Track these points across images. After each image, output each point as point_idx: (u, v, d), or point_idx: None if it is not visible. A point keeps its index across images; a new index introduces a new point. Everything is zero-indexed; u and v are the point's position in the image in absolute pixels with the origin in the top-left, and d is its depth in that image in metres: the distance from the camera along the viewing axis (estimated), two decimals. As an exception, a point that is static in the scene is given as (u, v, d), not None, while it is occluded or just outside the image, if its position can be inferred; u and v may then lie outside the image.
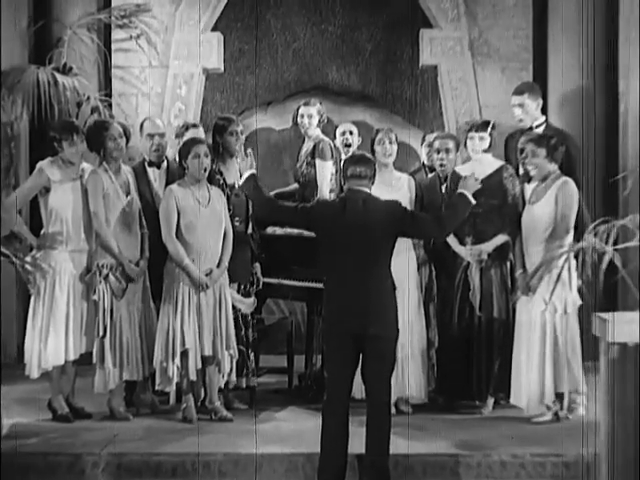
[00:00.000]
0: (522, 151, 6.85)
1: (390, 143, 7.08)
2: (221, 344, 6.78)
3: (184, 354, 6.69)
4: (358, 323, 5.74)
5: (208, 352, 6.75)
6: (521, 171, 7.23)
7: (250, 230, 7.22)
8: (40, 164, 6.93)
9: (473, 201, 5.96)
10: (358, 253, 5.74)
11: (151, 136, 7.28)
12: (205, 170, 6.80)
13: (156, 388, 6.82)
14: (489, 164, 7.05)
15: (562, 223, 6.66)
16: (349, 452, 5.86)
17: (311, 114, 7.74)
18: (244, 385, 7.14)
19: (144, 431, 6.62)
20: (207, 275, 6.74)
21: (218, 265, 6.81)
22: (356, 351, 5.82)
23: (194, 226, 6.74)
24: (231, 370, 6.89)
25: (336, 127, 8.30)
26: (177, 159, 6.95)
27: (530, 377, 6.66)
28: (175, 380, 6.72)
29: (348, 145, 7.96)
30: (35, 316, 6.82)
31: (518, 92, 7.59)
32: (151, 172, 7.27)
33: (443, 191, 7.25)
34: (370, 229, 5.75)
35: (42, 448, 6.29)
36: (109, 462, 6.09)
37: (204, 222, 6.75)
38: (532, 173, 6.81)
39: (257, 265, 7.30)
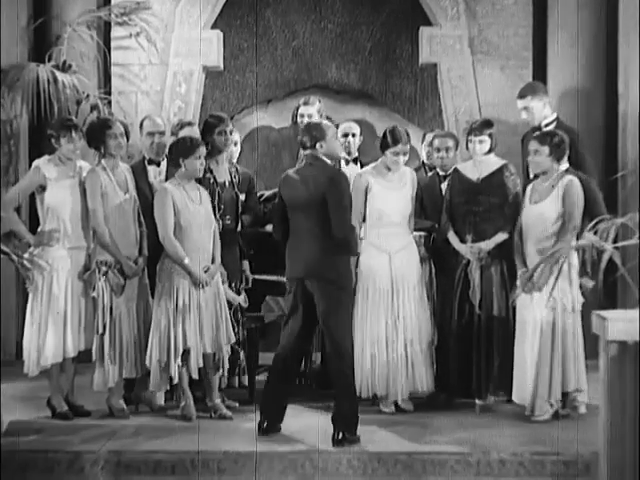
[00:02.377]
0: (527, 149, 6.85)
1: (404, 155, 7.02)
2: (223, 340, 6.79)
3: (185, 353, 6.70)
4: (306, 268, 6.31)
5: (210, 349, 6.76)
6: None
7: (239, 228, 7.23)
8: (36, 162, 6.93)
9: None
10: (309, 215, 6.27)
11: (151, 134, 7.29)
12: (202, 171, 6.83)
13: (150, 389, 6.82)
14: (491, 163, 7.05)
15: (569, 221, 6.64)
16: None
17: (311, 114, 7.73)
18: (236, 384, 7.13)
19: (143, 429, 6.62)
20: (205, 272, 6.75)
21: (212, 262, 6.82)
22: (309, 301, 6.30)
23: (190, 224, 6.73)
24: (227, 367, 6.89)
25: (337, 125, 8.27)
26: (170, 155, 6.92)
27: (536, 376, 6.64)
28: (176, 379, 6.72)
29: (348, 152, 7.90)
30: (33, 313, 6.82)
31: (521, 96, 7.57)
32: (151, 170, 7.28)
33: (443, 190, 7.26)
34: (316, 194, 6.24)
35: (41, 446, 6.28)
36: (108, 460, 6.09)
37: (199, 220, 6.75)
38: (534, 171, 6.80)
39: (245, 263, 7.31)
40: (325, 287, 6.27)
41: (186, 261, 6.68)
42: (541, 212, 6.71)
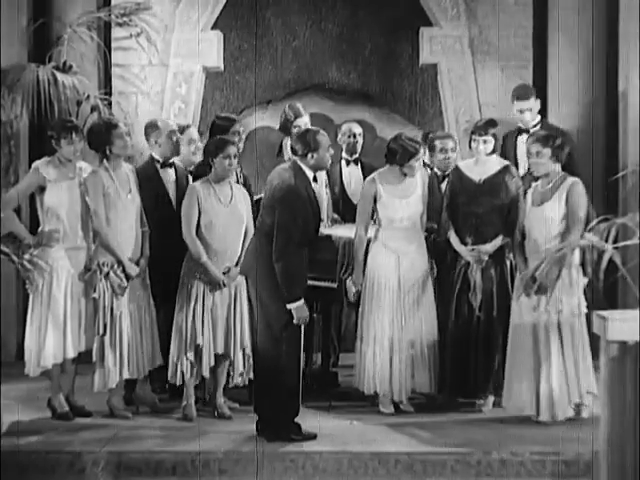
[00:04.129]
0: (528, 151, 6.83)
1: (419, 160, 7.01)
2: (234, 343, 6.80)
3: (197, 350, 6.72)
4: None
5: (220, 350, 6.77)
6: (522, 171, 7.24)
7: None
8: (36, 163, 6.93)
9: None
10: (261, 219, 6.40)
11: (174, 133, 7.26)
12: (232, 171, 6.84)
13: (169, 380, 6.82)
14: (493, 164, 7.04)
15: (574, 223, 6.60)
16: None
17: (306, 122, 7.69)
18: (242, 384, 7.13)
19: (144, 429, 6.63)
20: (225, 273, 6.76)
21: (236, 264, 6.82)
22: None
23: (214, 225, 6.75)
24: (248, 369, 6.89)
25: (338, 126, 8.27)
26: (204, 156, 6.95)
27: (549, 382, 6.61)
28: (187, 375, 6.73)
29: (351, 153, 7.90)
30: (33, 314, 6.82)
31: (524, 97, 7.60)
32: (166, 172, 7.25)
33: (443, 189, 7.26)
34: (269, 203, 6.33)
35: (42, 446, 6.29)
36: (109, 460, 6.09)
37: (224, 221, 6.74)
38: (537, 173, 6.78)
39: None
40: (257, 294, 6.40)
41: (204, 260, 6.70)
42: (544, 214, 6.68)
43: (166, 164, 7.23)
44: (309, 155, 6.31)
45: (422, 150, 6.96)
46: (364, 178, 7.58)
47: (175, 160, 7.27)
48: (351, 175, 7.84)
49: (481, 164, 7.03)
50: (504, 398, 6.76)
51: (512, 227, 6.87)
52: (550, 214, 6.68)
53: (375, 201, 6.95)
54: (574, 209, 6.64)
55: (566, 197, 6.66)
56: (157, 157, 7.24)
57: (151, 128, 7.29)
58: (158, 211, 7.03)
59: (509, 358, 6.74)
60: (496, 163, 7.04)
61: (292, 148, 6.44)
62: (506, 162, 7.12)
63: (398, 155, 6.87)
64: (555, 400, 6.60)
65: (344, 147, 7.96)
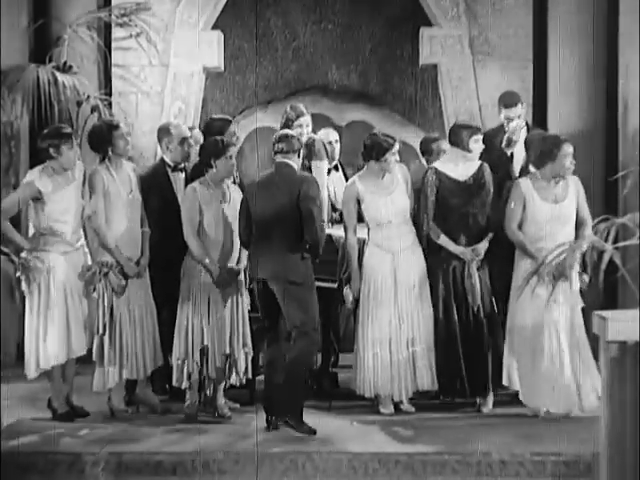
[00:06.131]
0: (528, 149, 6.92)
1: (394, 156, 7.01)
2: (237, 342, 6.80)
3: (203, 351, 6.72)
4: (272, 270, 6.54)
5: (227, 350, 6.77)
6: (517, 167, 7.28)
7: None
8: (30, 176, 6.83)
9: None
10: (278, 220, 6.49)
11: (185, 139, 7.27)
12: (232, 171, 6.87)
13: (173, 384, 6.83)
14: (472, 164, 7.04)
15: (587, 217, 6.80)
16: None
17: (308, 122, 7.66)
18: (238, 383, 7.13)
19: (144, 430, 6.62)
20: (227, 273, 6.75)
21: (237, 263, 6.82)
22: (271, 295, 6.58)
23: (215, 224, 6.75)
24: (247, 368, 6.89)
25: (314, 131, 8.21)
26: (201, 156, 6.93)
27: (574, 376, 6.68)
28: (194, 377, 6.73)
29: (332, 158, 7.89)
30: (31, 316, 6.80)
31: (511, 104, 7.54)
32: (174, 175, 7.25)
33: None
34: (281, 201, 6.48)
35: (42, 447, 6.29)
36: (109, 461, 6.10)
37: (224, 220, 6.75)
38: (571, 173, 6.85)
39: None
40: (288, 288, 6.50)
41: (207, 260, 6.69)
42: (564, 211, 6.80)
43: (177, 168, 7.24)
44: (295, 154, 6.61)
45: (397, 145, 6.95)
46: (346, 179, 7.56)
47: (186, 165, 7.27)
48: (334, 182, 7.77)
49: (462, 164, 7.02)
50: (523, 395, 6.80)
51: (497, 223, 6.90)
52: (568, 210, 6.81)
53: (359, 204, 6.95)
54: (584, 203, 6.85)
55: (577, 192, 6.86)
56: (168, 161, 7.25)
57: (163, 133, 7.29)
58: (165, 213, 7.02)
59: (533, 360, 6.76)
60: (474, 163, 7.05)
61: (279, 150, 6.61)
62: (479, 161, 7.10)
63: (373, 150, 6.90)
64: (580, 395, 6.69)
65: (327, 153, 7.90)
